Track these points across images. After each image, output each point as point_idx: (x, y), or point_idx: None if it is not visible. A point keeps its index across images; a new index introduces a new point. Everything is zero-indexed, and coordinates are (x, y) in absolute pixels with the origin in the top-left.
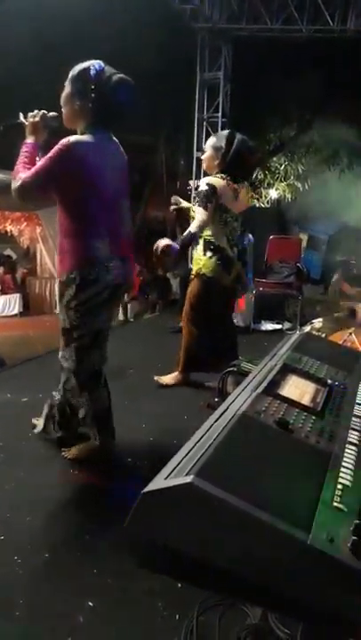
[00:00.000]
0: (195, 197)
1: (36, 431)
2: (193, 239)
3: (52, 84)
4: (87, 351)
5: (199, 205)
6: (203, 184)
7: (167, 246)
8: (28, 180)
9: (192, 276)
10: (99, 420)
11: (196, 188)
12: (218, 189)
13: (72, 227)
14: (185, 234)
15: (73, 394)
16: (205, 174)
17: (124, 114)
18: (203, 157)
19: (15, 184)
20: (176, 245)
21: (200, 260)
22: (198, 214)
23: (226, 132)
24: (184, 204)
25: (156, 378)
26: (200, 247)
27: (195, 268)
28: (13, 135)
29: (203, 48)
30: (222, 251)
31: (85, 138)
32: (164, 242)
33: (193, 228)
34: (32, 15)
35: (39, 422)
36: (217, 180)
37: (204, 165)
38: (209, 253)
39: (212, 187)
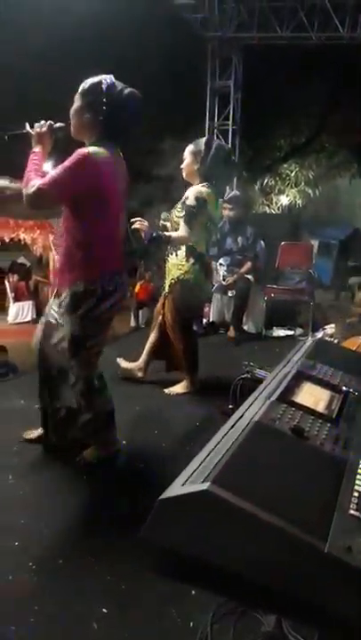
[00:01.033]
0: (182, 207)
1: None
2: (160, 242)
3: (57, 93)
4: (96, 359)
5: (184, 221)
6: (191, 197)
7: (140, 230)
8: (43, 188)
9: (173, 281)
10: (106, 422)
11: (184, 201)
12: (207, 200)
13: (87, 237)
14: (165, 235)
15: (82, 397)
16: (186, 183)
17: (133, 128)
18: (182, 166)
19: (29, 190)
20: (150, 233)
21: (182, 266)
22: (182, 230)
23: (204, 137)
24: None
25: (166, 391)
26: (181, 253)
27: (174, 273)
28: (18, 145)
29: (213, 57)
30: (203, 257)
31: (101, 150)
32: (144, 224)
33: (173, 238)
34: (41, 26)
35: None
36: (205, 190)
37: (184, 173)
38: (192, 260)
39: (202, 200)
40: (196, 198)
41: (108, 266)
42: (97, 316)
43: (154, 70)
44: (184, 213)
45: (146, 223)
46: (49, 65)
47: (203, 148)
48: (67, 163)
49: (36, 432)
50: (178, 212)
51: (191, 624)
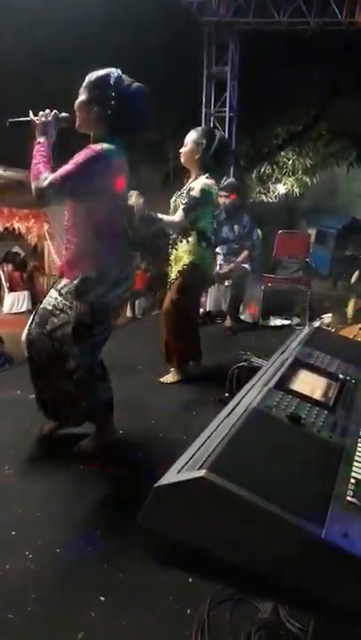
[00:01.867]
0: (186, 195)
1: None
2: (155, 223)
3: (54, 81)
4: (100, 346)
5: (183, 209)
6: (197, 188)
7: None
8: (56, 183)
9: (184, 267)
10: (106, 409)
11: (188, 190)
12: (213, 193)
13: (98, 227)
14: (156, 217)
15: (82, 385)
16: (185, 170)
17: (141, 123)
18: (182, 151)
19: (41, 184)
20: (149, 214)
21: (192, 250)
22: (178, 216)
23: (206, 127)
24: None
25: (162, 380)
26: (193, 239)
27: (185, 259)
28: (18, 132)
29: (209, 42)
30: (211, 241)
31: (113, 146)
32: (140, 203)
33: (165, 221)
34: (36, 11)
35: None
36: (211, 183)
37: (182, 158)
38: (203, 244)
39: (207, 193)
40: (202, 190)
41: (119, 255)
42: (108, 302)
43: (149, 56)
44: (185, 201)
45: (142, 199)
46: (44, 54)
47: (205, 139)
48: (79, 158)
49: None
50: (182, 200)
51: (188, 611)
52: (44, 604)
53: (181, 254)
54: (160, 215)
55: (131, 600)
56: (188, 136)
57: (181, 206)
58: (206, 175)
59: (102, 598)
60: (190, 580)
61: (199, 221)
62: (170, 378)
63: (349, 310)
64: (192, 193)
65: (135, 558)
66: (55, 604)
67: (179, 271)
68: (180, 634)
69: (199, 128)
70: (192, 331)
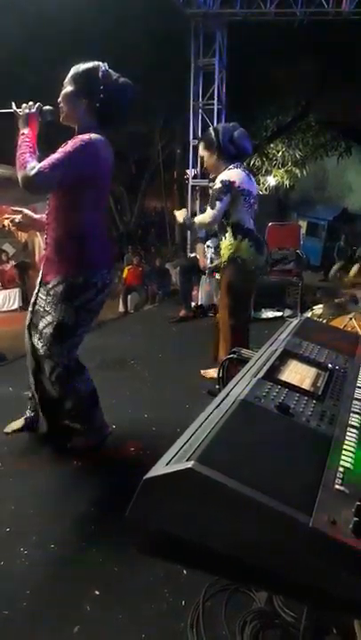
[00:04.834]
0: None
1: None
2: (190, 228)
3: (38, 72)
4: (77, 345)
5: (209, 204)
6: (217, 181)
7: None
8: (45, 171)
9: (224, 264)
10: (90, 402)
11: (211, 180)
12: (235, 182)
13: (81, 228)
14: (189, 220)
15: (61, 383)
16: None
17: (126, 116)
18: (205, 165)
19: (28, 172)
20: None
21: (231, 245)
22: (206, 214)
23: (209, 129)
24: (179, 216)
25: (202, 372)
26: (229, 233)
27: (225, 255)
28: (3, 126)
29: (196, 34)
30: (252, 232)
31: (101, 138)
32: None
33: (196, 220)
34: (21, 3)
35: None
36: (230, 173)
37: (210, 170)
38: (239, 236)
39: (226, 182)
40: (222, 181)
41: (105, 258)
42: (93, 307)
43: (136, 48)
44: (210, 198)
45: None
46: (29, 45)
47: (213, 136)
48: (68, 148)
49: (19, 422)
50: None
51: (183, 602)
52: (39, 600)
53: (223, 250)
54: (192, 219)
55: (126, 593)
56: (199, 150)
57: (208, 205)
58: (229, 167)
59: (97, 592)
60: (184, 571)
61: (231, 215)
62: (212, 373)
63: (352, 273)
64: (214, 187)
65: (129, 552)
66: (50, 599)
67: (222, 268)
68: (176, 625)
69: (203, 135)
70: (242, 328)
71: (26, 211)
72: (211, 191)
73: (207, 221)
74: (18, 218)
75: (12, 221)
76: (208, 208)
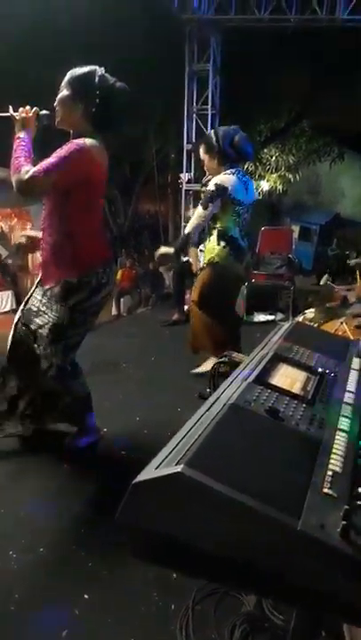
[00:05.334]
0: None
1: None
2: (188, 240)
3: (34, 77)
4: (75, 347)
5: (200, 205)
6: (211, 184)
7: (164, 256)
8: (39, 176)
9: (203, 265)
10: (84, 406)
11: (204, 185)
12: (228, 188)
13: (77, 230)
14: (181, 237)
15: (56, 384)
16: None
17: (122, 121)
18: (205, 168)
19: (23, 176)
20: (171, 251)
21: (213, 249)
22: (196, 215)
23: (210, 131)
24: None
25: (192, 372)
26: (213, 237)
27: (207, 257)
28: None
29: (191, 39)
30: (235, 241)
31: (96, 142)
32: (161, 251)
33: (188, 228)
34: (17, 6)
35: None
36: (226, 178)
37: (210, 173)
38: (222, 243)
39: (220, 187)
40: (216, 184)
41: (100, 257)
42: (88, 307)
43: (130, 53)
44: (202, 199)
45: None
46: (25, 50)
47: (213, 140)
48: (63, 152)
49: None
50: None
51: (173, 606)
52: (28, 604)
53: (206, 252)
54: (185, 231)
55: (115, 597)
56: (200, 153)
57: (199, 204)
58: (226, 172)
59: (86, 596)
60: (174, 575)
61: (218, 221)
62: (203, 368)
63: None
64: (208, 188)
65: (119, 555)
66: (39, 603)
67: (201, 269)
68: (165, 629)
69: (204, 137)
70: (222, 330)
71: (30, 232)
72: (203, 194)
73: (196, 222)
74: (23, 240)
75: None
76: (199, 207)
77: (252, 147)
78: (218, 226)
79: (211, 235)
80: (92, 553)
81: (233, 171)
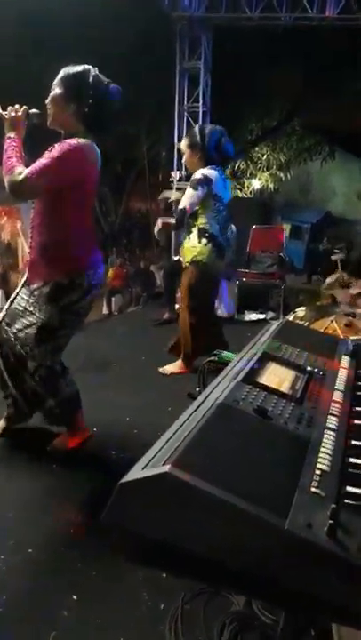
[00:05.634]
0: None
1: None
2: (184, 215)
3: (23, 74)
4: (62, 348)
5: (190, 186)
6: (198, 173)
7: (166, 223)
8: (32, 177)
9: (186, 265)
10: (73, 405)
11: (188, 177)
12: (213, 180)
13: (68, 231)
14: (178, 210)
15: (44, 384)
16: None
17: (114, 122)
18: (184, 161)
19: (16, 178)
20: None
21: (195, 247)
22: (188, 194)
23: (195, 127)
24: (173, 195)
25: (160, 370)
26: (194, 235)
27: (188, 256)
28: None
29: (182, 37)
30: (215, 238)
31: (88, 141)
32: (161, 220)
33: (183, 203)
34: (6, 4)
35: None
36: (210, 172)
37: (188, 167)
38: (204, 240)
39: (207, 177)
40: (203, 174)
41: (91, 258)
42: (79, 308)
43: (121, 51)
44: (189, 185)
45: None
46: (14, 48)
47: (198, 138)
48: (55, 153)
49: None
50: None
51: (162, 606)
52: (16, 605)
53: (185, 251)
54: (180, 206)
55: (104, 598)
56: (182, 144)
57: (187, 189)
58: (210, 167)
59: (75, 597)
60: (163, 575)
61: (198, 217)
62: (172, 368)
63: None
64: (194, 177)
65: (108, 556)
66: (27, 605)
67: (184, 269)
68: (155, 629)
69: (189, 131)
70: (203, 328)
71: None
72: (191, 181)
73: (189, 201)
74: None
75: None
76: (189, 188)
77: (233, 148)
78: (198, 223)
79: (190, 232)
80: (81, 554)
81: (215, 167)
